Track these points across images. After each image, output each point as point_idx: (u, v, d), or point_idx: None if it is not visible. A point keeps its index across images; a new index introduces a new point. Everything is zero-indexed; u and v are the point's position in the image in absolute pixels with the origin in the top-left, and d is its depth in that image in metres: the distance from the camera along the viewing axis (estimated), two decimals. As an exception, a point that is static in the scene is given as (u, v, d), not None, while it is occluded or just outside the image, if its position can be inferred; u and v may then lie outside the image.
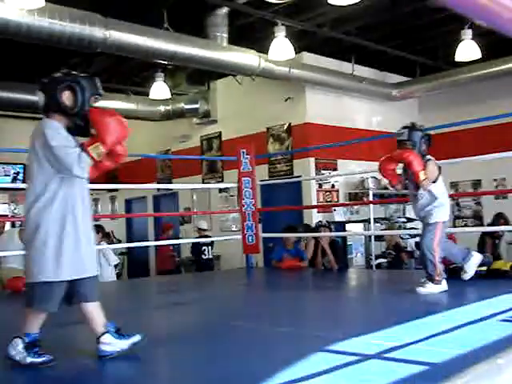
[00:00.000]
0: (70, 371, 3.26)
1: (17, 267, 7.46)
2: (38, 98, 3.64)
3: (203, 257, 10.56)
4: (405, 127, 5.48)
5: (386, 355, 3.11)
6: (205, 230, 11.03)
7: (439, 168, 5.46)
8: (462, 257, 5.64)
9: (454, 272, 6.16)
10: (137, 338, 3.37)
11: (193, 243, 10.68)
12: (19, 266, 7.42)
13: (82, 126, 3.31)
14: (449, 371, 2.80)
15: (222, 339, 3.86)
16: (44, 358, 3.19)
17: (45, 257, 3.18)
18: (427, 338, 3.44)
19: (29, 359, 3.17)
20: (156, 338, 4.04)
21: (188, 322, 4.68)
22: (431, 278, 5.29)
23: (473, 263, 5.59)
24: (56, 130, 3.22)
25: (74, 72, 3.48)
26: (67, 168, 3.16)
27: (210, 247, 10.58)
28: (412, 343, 3.33)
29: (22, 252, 4.24)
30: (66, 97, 3.31)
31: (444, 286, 5.32)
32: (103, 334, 3.30)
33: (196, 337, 4.01)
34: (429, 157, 5.43)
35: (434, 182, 5.38)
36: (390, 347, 3.24)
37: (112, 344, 3.29)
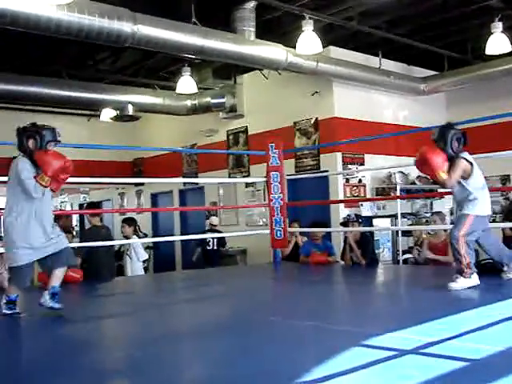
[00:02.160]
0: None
1: None
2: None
3: (207, 247, 11.21)
4: (440, 126, 5.51)
5: (423, 351, 3.07)
6: (215, 225, 11.62)
7: (471, 164, 5.35)
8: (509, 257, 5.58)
9: (484, 268, 6.11)
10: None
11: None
12: None
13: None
14: (487, 368, 2.77)
15: (254, 333, 3.85)
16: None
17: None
18: (463, 334, 3.40)
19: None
20: (183, 333, 4.05)
21: (219, 316, 4.68)
22: (460, 272, 5.22)
23: None
24: (24, 166, 4.63)
25: (38, 124, 4.79)
26: (28, 192, 4.60)
27: (215, 240, 11.18)
28: (448, 339, 3.29)
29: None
30: (30, 143, 4.67)
31: (475, 280, 5.23)
32: None
33: (227, 331, 4.01)
34: (462, 154, 5.34)
35: (464, 178, 5.31)
36: (426, 343, 3.20)
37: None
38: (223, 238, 11.31)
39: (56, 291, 4.73)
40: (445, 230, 7.63)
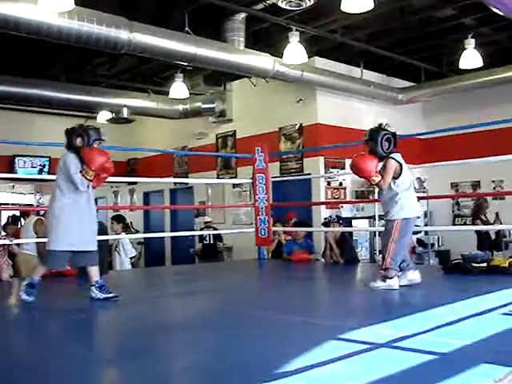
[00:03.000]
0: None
1: (31, 253, 7.51)
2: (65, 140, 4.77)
3: (204, 242, 11.59)
4: (371, 128, 5.44)
5: (396, 344, 3.10)
6: (209, 221, 11.98)
7: (400, 164, 5.22)
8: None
9: (456, 267, 6.18)
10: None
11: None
12: (33, 253, 7.48)
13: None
14: (455, 361, 2.81)
15: (237, 327, 3.85)
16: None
17: None
18: (434, 329, 3.43)
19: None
20: (173, 325, 4.06)
21: (203, 310, 4.69)
22: (382, 272, 5.17)
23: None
24: (72, 160, 4.81)
25: (84, 125, 5.08)
26: (76, 185, 4.76)
27: (211, 235, 11.53)
28: (420, 333, 3.32)
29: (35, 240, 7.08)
30: (78, 141, 4.86)
31: (394, 283, 5.13)
32: None
33: (211, 324, 4.01)
34: (392, 155, 5.24)
35: (394, 178, 5.21)
36: (399, 337, 3.23)
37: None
38: (220, 234, 11.57)
39: (101, 283, 4.93)
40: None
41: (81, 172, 4.76)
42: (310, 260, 8.19)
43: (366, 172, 5.23)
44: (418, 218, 6.00)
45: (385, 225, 5.39)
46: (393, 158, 5.23)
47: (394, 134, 5.33)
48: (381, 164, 5.29)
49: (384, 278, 5.15)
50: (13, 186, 17.48)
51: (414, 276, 5.33)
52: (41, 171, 14.26)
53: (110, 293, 4.91)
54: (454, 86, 11.10)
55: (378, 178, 5.20)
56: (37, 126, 13.85)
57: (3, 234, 8.96)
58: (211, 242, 11.62)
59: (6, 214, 14.00)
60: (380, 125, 5.42)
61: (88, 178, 4.76)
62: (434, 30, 9.83)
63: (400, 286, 5.18)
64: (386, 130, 5.35)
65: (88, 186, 4.86)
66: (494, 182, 11.70)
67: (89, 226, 4.93)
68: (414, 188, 5.68)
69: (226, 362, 2.95)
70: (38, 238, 7.24)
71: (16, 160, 13.83)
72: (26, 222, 8.45)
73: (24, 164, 14.04)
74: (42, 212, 8.75)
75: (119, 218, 9.16)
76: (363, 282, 5.30)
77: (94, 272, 4.95)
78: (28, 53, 10.32)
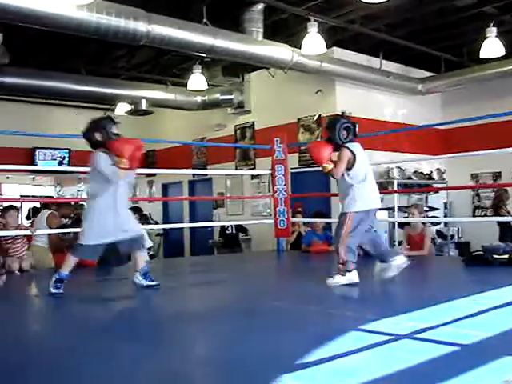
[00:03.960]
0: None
1: (43, 245, 7.59)
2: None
3: (227, 232, 11.85)
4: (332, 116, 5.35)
5: (418, 336, 3.08)
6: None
7: (354, 154, 5.10)
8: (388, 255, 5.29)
9: (476, 259, 6.13)
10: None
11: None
12: (45, 245, 7.56)
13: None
14: (477, 353, 2.78)
15: (255, 317, 3.87)
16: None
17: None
18: (455, 321, 3.41)
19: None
20: (191, 314, 4.07)
21: (221, 300, 4.71)
22: (338, 268, 5.04)
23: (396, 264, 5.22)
24: (101, 156, 4.85)
25: (94, 119, 5.10)
26: (109, 179, 4.84)
27: (233, 226, 11.89)
28: (441, 325, 3.30)
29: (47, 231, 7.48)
30: (98, 136, 4.90)
31: (353, 277, 5.00)
32: None
33: (229, 314, 4.03)
34: (348, 144, 5.12)
35: (347, 169, 5.10)
36: (420, 328, 3.21)
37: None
38: (242, 225, 11.93)
39: (146, 271, 5.10)
40: (423, 223, 7.64)
41: (114, 165, 4.81)
42: (329, 251, 8.17)
43: (318, 159, 5.21)
44: (380, 210, 5.88)
45: (339, 217, 5.23)
46: (347, 148, 5.10)
47: (353, 124, 5.23)
48: (331, 155, 5.17)
49: (343, 273, 5.01)
50: (33, 178, 17.66)
51: (399, 261, 5.21)
52: (61, 163, 14.34)
53: (152, 280, 5.07)
54: (474, 75, 10.94)
55: (330, 166, 5.11)
56: (56, 118, 13.94)
57: (28, 223, 9.03)
58: (233, 232, 11.74)
59: (26, 206, 14.19)
60: (343, 113, 5.43)
61: (123, 166, 4.80)
62: (454, 19, 9.71)
63: (392, 275, 5.12)
64: (346, 119, 5.24)
65: (120, 178, 4.89)
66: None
67: (122, 215, 4.97)
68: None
69: (244, 352, 2.95)
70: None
71: (36, 152, 13.93)
72: (39, 215, 8.54)
73: (44, 156, 14.13)
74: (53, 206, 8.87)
75: (134, 210, 9.23)
76: (382, 274, 5.23)
77: (140, 258, 5.12)
78: (48, 46, 10.39)
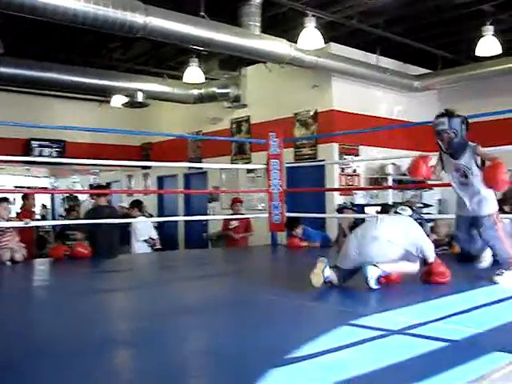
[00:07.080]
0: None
1: None
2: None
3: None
4: (442, 115, 4.79)
5: (409, 331, 3.09)
6: None
7: None
8: None
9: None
10: None
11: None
12: None
13: None
14: (467, 348, 2.80)
15: (248, 311, 3.86)
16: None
17: None
18: (447, 317, 3.42)
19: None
20: (185, 308, 4.07)
21: (215, 294, 4.70)
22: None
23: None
24: None
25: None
26: None
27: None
28: (433, 321, 3.31)
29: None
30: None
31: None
32: None
33: (223, 308, 4.03)
34: (470, 143, 4.81)
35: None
36: (412, 324, 3.23)
37: None
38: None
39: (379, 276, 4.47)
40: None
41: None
42: (304, 247, 8.18)
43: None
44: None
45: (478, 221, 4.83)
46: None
47: (467, 120, 4.81)
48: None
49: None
50: (28, 170, 17.62)
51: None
52: (58, 154, 14.30)
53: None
54: (471, 73, 10.96)
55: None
56: (52, 109, 13.91)
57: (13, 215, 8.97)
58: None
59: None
60: (450, 110, 4.80)
61: None
62: (451, 17, 9.72)
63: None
64: (460, 116, 4.79)
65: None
66: (510, 171, 11.54)
67: None
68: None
69: (237, 346, 2.96)
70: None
71: (32, 143, 13.90)
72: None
73: (39, 147, 14.09)
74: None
75: (133, 203, 9.33)
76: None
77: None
78: (44, 36, 10.35)
